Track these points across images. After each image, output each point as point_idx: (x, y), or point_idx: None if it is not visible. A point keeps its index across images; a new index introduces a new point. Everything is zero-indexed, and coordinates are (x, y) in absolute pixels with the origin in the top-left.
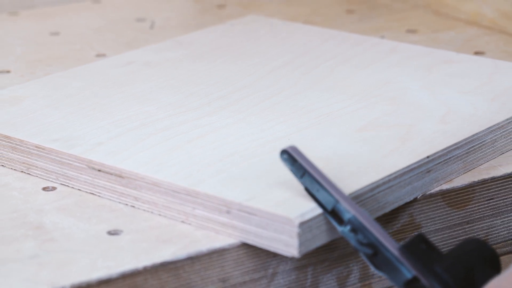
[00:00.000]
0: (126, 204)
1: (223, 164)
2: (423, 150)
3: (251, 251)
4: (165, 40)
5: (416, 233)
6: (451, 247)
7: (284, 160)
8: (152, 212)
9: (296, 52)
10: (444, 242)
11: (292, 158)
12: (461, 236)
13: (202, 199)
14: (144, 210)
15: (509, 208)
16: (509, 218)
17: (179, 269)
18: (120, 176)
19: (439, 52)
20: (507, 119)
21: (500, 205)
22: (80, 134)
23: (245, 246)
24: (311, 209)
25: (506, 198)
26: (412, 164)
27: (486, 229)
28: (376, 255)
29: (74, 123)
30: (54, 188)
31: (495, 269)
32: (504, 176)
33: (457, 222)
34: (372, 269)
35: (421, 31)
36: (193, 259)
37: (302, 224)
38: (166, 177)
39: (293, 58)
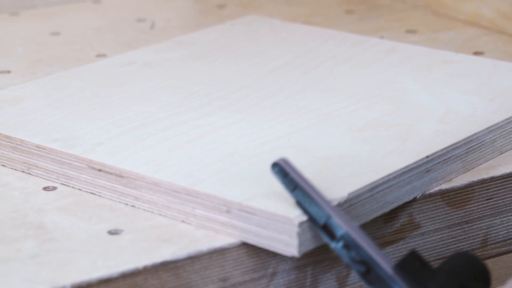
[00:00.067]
0: (127, 204)
1: (223, 164)
2: (422, 150)
3: (251, 251)
4: (165, 40)
5: (408, 251)
6: (441, 252)
7: (275, 173)
8: (152, 212)
9: (296, 52)
10: (444, 242)
11: (284, 171)
12: (460, 235)
13: (202, 198)
14: (144, 209)
15: (508, 207)
16: (508, 217)
17: (179, 268)
18: (121, 176)
19: (439, 52)
20: (506, 119)
21: (499, 204)
22: (80, 134)
23: (245, 245)
24: None
25: (505, 198)
26: (411, 164)
27: (485, 229)
28: (369, 272)
29: (75, 123)
30: (54, 188)
31: (486, 283)
32: (503, 175)
33: (457, 221)
34: (364, 285)
35: (420, 31)
36: (193, 259)
37: (301, 224)
38: (166, 177)
39: (293, 58)
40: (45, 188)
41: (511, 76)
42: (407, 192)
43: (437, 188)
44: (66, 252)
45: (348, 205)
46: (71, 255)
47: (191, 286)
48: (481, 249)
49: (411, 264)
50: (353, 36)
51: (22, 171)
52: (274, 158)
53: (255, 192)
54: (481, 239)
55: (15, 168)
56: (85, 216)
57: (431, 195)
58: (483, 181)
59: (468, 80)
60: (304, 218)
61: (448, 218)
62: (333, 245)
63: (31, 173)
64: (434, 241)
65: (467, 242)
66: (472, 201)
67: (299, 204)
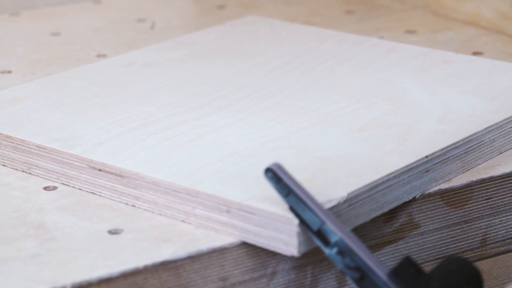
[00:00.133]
0: (127, 204)
1: (223, 164)
2: (422, 150)
3: (251, 250)
4: (166, 41)
5: (403, 257)
6: (440, 252)
7: (269, 178)
8: (152, 212)
9: (296, 53)
10: (443, 241)
11: (277, 177)
12: (459, 235)
13: (202, 198)
14: (144, 209)
15: (507, 207)
16: (507, 217)
17: (179, 268)
18: (121, 176)
19: (438, 52)
20: (505, 119)
21: (498, 204)
22: (81, 134)
23: (245, 245)
24: None
25: (504, 198)
26: (411, 164)
27: (484, 228)
28: (363, 279)
29: (75, 123)
30: (55, 188)
31: (478, 287)
32: (502, 175)
33: (456, 221)
34: None
35: (420, 31)
36: (193, 258)
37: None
38: (166, 177)
39: (292, 58)
40: (45, 188)
41: (510, 76)
42: (406, 192)
43: (436, 188)
44: (66, 252)
45: (348, 204)
46: (71, 254)
47: (191, 285)
48: (480, 249)
49: (405, 271)
50: (352, 36)
51: (23, 171)
52: (274, 158)
53: (255, 192)
54: (480, 238)
55: (15, 168)
56: (85, 216)
57: (430, 195)
58: (482, 181)
59: (468, 80)
60: None
61: (447, 217)
62: (327, 251)
63: (31, 173)
64: (433, 240)
65: (466, 241)
66: (471, 201)
67: (293, 209)
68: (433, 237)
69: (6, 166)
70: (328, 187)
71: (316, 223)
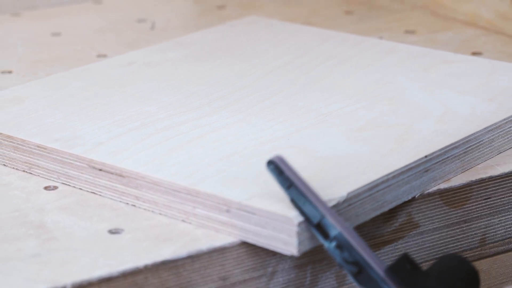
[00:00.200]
0: (127, 203)
1: (223, 164)
2: (421, 149)
3: (251, 250)
4: (166, 41)
5: (401, 254)
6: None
7: (271, 170)
8: (152, 211)
9: (296, 53)
10: (442, 241)
11: (279, 169)
12: (458, 235)
13: (202, 198)
14: (144, 209)
15: (506, 207)
16: (507, 217)
17: (180, 267)
18: (121, 176)
19: (437, 52)
20: (504, 119)
21: (497, 204)
22: (81, 133)
23: (245, 244)
24: None
25: (503, 197)
26: (410, 164)
27: (483, 228)
28: (361, 273)
29: (75, 123)
30: (55, 187)
31: (475, 286)
32: (502, 175)
33: (455, 221)
34: (355, 284)
35: (419, 31)
36: (193, 258)
37: (301, 223)
38: (166, 177)
39: (292, 58)
40: (46, 188)
41: (509, 76)
42: (406, 192)
43: (435, 188)
44: (67, 251)
45: (348, 204)
46: (72, 254)
47: (191, 285)
48: (479, 248)
49: (403, 267)
50: (352, 36)
51: (23, 171)
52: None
53: (254, 192)
54: (479, 238)
55: (16, 167)
56: (85, 216)
57: (429, 194)
58: (481, 181)
59: (467, 80)
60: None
61: (447, 217)
62: (326, 244)
63: (32, 172)
64: (432, 240)
65: (466, 241)
66: (471, 201)
67: (294, 202)
68: (433, 237)
69: (6, 166)
70: (327, 186)
71: (316, 217)
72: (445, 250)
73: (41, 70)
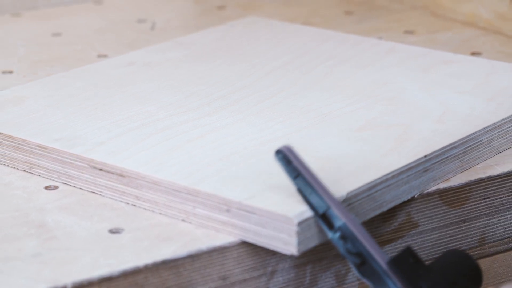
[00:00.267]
0: (127, 203)
1: (223, 164)
2: (420, 149)
3: (251, 249)
4: (166, 41)
5: (404, 247)
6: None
7: (279, 159)
8: (153, 211)
9: (296, 53)
10: (442, 241)
11: (287, 159)
12: (458, 234)
13: (203, 198)
14: (145, 209)
15: (505, 206)
16: (506, 216)
17: (180, 267)
18: (121, 175)
19: (437, 52)
20: (504, 119)
21: (496, 203)
22: (81, 133)
23: (245, 244)
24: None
25: (502, 197)
26: (409, 163)
27: (482, 228)
28: (364, 264)
29: (76, 123)
30: (56, 187)
31: (477, 282)
32: (501, 175)
33: (454, 220)
34: (357, 275)
35: (418, 32)
36: (193, 257)
37: (301, 223)
38: (166, 176)
39: (292, 58)
40: (46, 187)
41: (509, 76)
42: (405, 191)
43: (435, 187)
44: (67, 251)
45: (347, 204)
46: (72, 253)
47: (192, 284)
48: (478, 248)
49: (405, 260)
50: (352, 36)
51: (24, 171)
52: (274, 158)
53: (254, 191)
54: (478, 238)
55: (17, 167)
56: (86, 215)
57: (429, 194)
58: (480, 181)
59: (466, 80)
60: (303, 217)
61: (446, 217)
62: (330, 235)
63: (32, 172)
64: (432, 239)
65: (465, 240)
66: (470, 200)
67: (300, 192)
68: (432, 236)
69: (7, 165)
70: (327, 186)
71: (322, 207)
72: (445, 250)
73: (41, 70)
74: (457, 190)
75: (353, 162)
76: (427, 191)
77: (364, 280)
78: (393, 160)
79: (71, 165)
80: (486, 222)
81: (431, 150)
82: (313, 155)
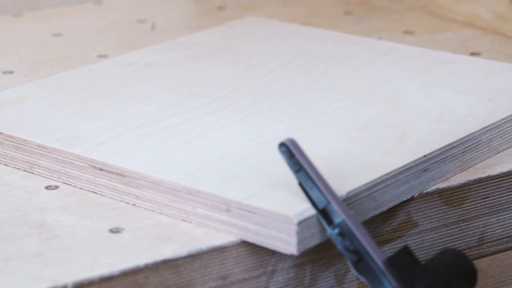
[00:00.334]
0: (128, 203)
1: (223, 163)
2: (419, 149)
3: (251, 249)
4: (166, 41)
5: (401, 246)
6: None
7: (282, 152)
8: (153, 211)
9: (295, 53)
10: (441, 240)
11: (290, 152)
12: (457, 234)
13: (203, 197)
14: (145, 208)
15: (504, 206)
16: (505, 216)
17: (180, 266)
18: (122, 175)
19: (436, 52)
20: (503, 119)
21: (495, 203)
22: (82, 133)
23: (245, 244)
24: (309, 207)
25: (502, 197)
26: (409, 163)
27: (482, 227)
28: (360, 262)
29: (76, 123)
30: (56, 187)
31: (472, 281)
32: (500, 175)
33: (453, 220)
34: (353, 272)
35: (418, 32)
36: (193, 257)
37: (300, 223)
38: (167, 176)
39: (292, 58)
40: (47, 187)
41: (507, 77)
42: (404, 191)
43: (434, 187)
44: (68, 250)
45: (347, 203)
46: (73, 253)
47: (192, 284)
48: (477, 248)
49: (402, 260)
50: (351, 37)
51: (25, 170)
52: (274, 157)
53: (254, 191)
54: (477, 237)
55: (17, 167)
56: (86, 215)
57: (428, 194)
58: (479, 180)
59: (465, 80)
60: (303, 216)
61: (445, 216)
62: (329, 230)
63: (33, 172)
64: (431, 239)
65: (464, 240)
66: (469, 200)
67: (301, 186)
68: (431, 236)
69: (8, 165)
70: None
71: (322, 202)
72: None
73: (42, 70)
74: (456, 190)
75: (353, 162)
76: (426, 190)
77: (361, 278)
78: (392, 160)
79: (72, 165)
80: (485, 221)
81: (430, 150)
82: (313, 154)
